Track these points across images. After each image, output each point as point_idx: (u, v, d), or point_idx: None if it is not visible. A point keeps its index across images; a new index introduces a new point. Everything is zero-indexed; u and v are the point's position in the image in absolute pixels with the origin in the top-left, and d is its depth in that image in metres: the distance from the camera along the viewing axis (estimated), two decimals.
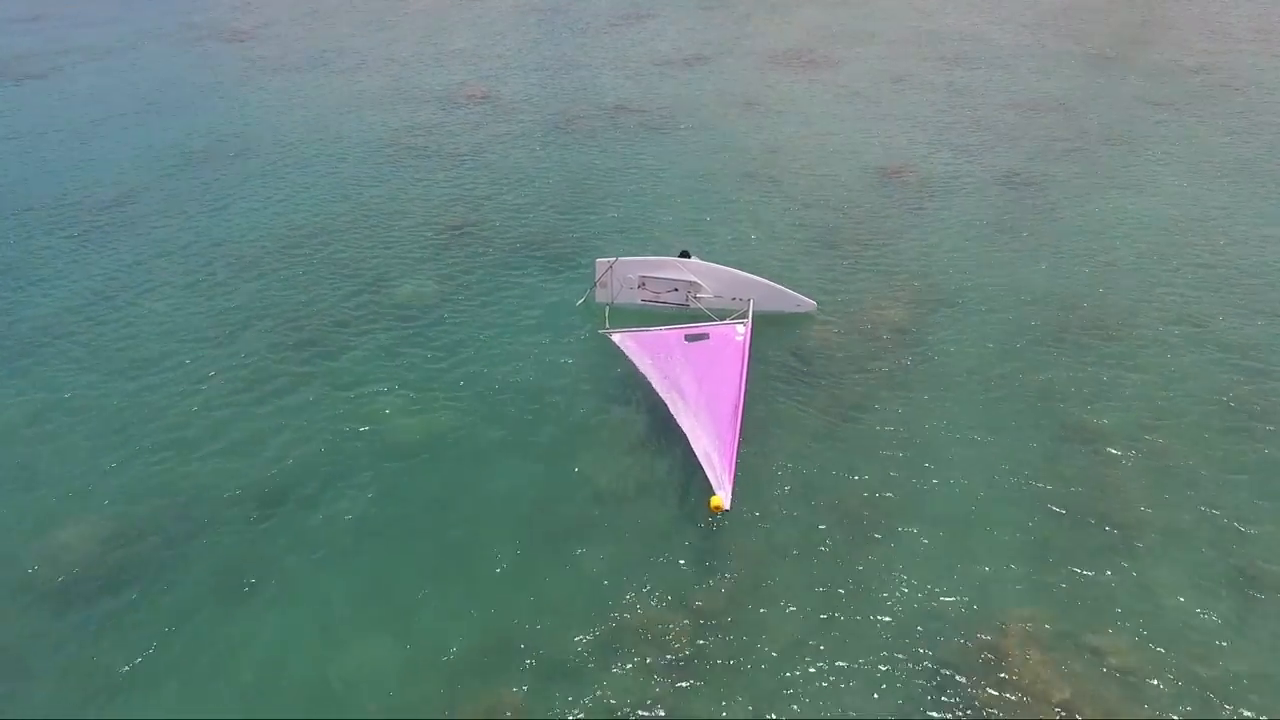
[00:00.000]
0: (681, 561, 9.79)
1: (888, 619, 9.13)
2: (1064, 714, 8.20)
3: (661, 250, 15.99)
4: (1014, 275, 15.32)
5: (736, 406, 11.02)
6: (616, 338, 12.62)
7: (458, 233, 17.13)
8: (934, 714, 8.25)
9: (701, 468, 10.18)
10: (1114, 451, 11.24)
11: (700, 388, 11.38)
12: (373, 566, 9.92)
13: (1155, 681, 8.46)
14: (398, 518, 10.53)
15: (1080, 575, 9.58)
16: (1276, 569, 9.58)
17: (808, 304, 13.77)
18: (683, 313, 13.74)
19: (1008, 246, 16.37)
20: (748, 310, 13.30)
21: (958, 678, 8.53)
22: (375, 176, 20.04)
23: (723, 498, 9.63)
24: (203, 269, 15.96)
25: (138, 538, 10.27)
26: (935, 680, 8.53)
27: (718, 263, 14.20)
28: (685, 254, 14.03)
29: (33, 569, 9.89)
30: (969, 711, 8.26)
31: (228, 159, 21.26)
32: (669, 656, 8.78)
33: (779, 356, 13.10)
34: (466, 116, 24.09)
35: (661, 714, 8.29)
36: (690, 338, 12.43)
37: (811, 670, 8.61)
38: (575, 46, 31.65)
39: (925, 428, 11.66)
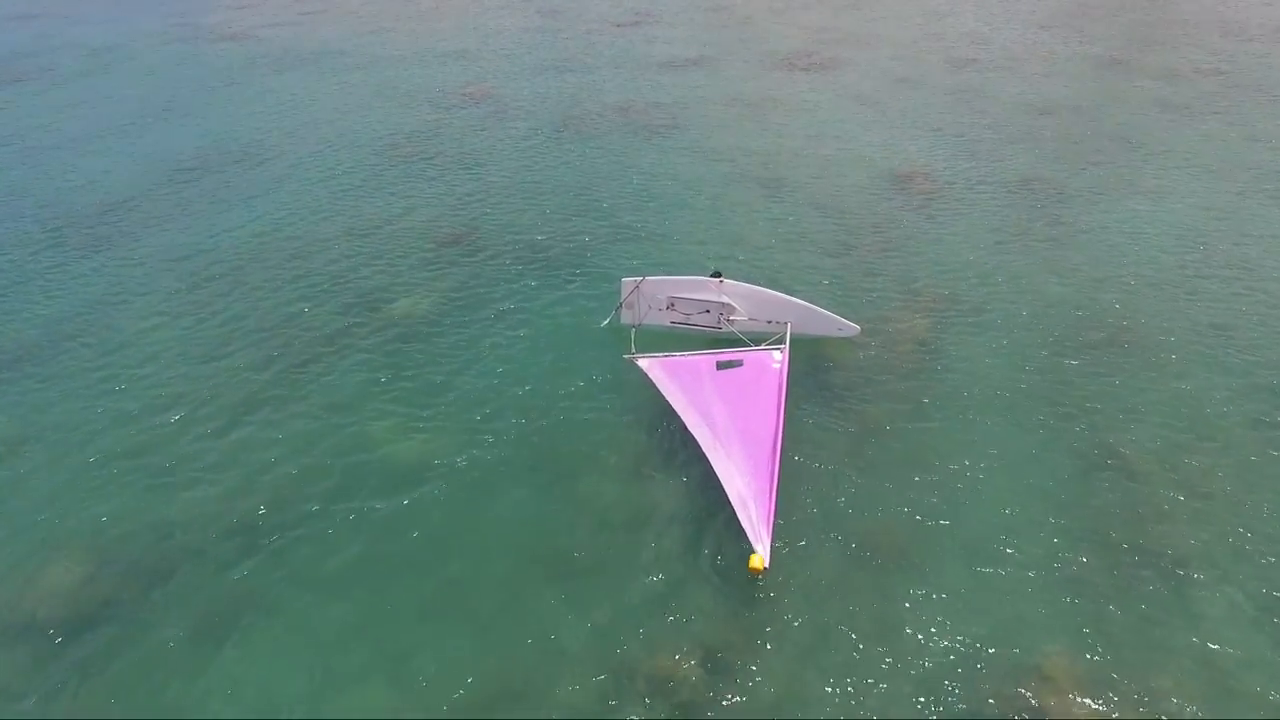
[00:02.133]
0: (697, 602, 9.15)
1: (918, 663, 8.51)
2: None
3: (672, 263, 15.42)
4: (1035, 285, 14.73)
5: (774, 445, 10.13)
6: (643, 363, 11.72)
7: (456, 243, 16.51)
8: None
9: (727, 509, 9.44)
10: (1148, 475, 10.64)
11: (733, 422, 10.54)
12: (364, 606, 9.29)
13: None
14: (391, 552, 9.90)
15: (1119, 612, 8.97)
16: None
17: (850, 328, 12.76)
18: (715, 336, 12.90)
19: (1027, 255, 15.76)
20: (785, 334, 12.34)
21: None
22: (371, 184, 19.41)
23: (762, 555, 8.86)
24: (189, 284, 15.32)
25: (114, 576, 9.65)
26: None
27: (740, 279, 13.42)
28: (717, 274, 13.10)
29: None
30: None
31: (220, 167, 20.64)
32: (683, 708, 8.17)
33: (796, 371, 12.44)
34: (467, 120, 23.48)
35: None
36: (722, 365, 11.54)
37: None
38: (578, 48, 31.04)
39: (950, 451, 11.04)
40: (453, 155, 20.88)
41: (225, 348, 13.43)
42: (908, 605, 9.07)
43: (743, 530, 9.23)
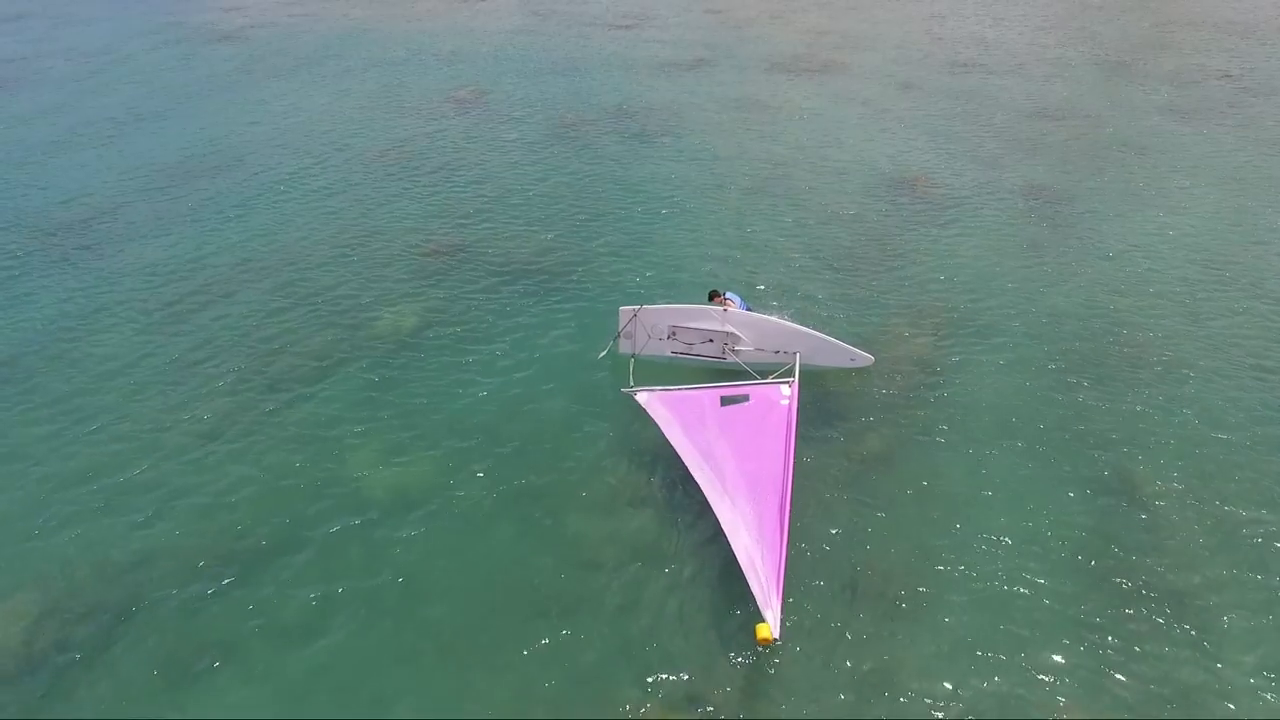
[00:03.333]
0: (690, 650, 8.62)
1: None
2: None
3: (667, 278, 14.89)
4: (1043, 300, 14.19)
5: (784, 493, 9.26)
6: (641, 397, 10.86)
7: (444, 255, 15.96)
8: None
9: (725, 554, 8.80)
10: (1165, 509, 10.10)
11: (739, 464, 9.72)
12: (337, 649, 8.77)
13: None
14: (368, 589, 9.38)
15: (1135, 662, 8.45)
16: None
17: (864, 358, 11.93)
18: (719, 367, 12.18)
19: (1034, 267, 15.23)
20: (794, 366, 11.52)
21: None
22: (358, 193, 18.87)
23: (771, 624, 7.98)
24: (164, 300, 14.77)
25: (69, 614, 9.14)
26: None
27: (738, 293, 12.85)
28: (715, 294, 12.45)
29: None
30: None
31: (204, 175, 20.09)
32: None
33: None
34: (459, 125, 22.93)
35: None
36: (727, 400, 10.70)
37: None
38: (574, 51, 30.48)
39: (956, 483, 10.51)
40: (443, 163, 20.33)
41: (198, 368, 12.89)
42: (910, 655, 8.54)
43: (748, 588, 8.39)
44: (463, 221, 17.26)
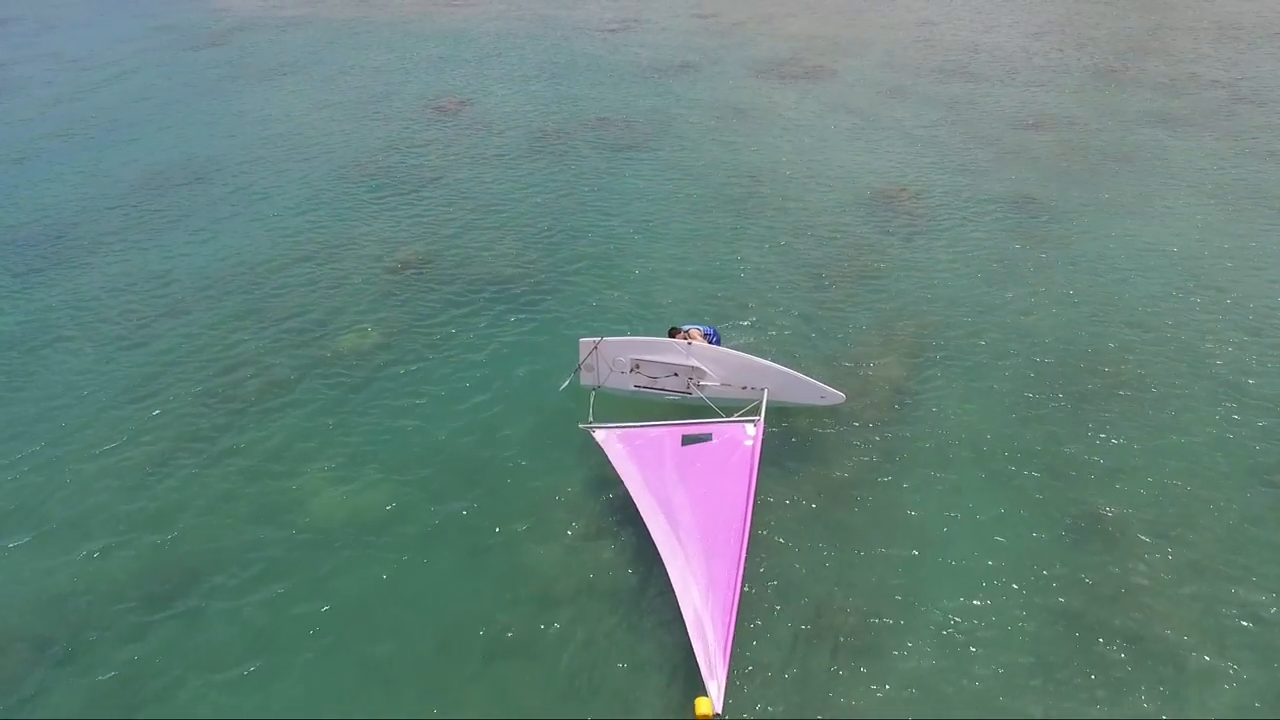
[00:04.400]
0: (644, 692, 8.30)
1: None
2: None
3: (640, 298, 14.58)
4: (1021, 319, 13.86)
5: (740, 547, 8.76)
6: (599, 435, 10.48)
7: (412, 269, 15.66)
8: None
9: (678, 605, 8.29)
10: (1139, 548, 9.73)
11: (695, 513, 9.25)
12: (277, 690, 8.46)
13: None
14: (313, 624, 9.07)
15: (1103, 703, 8.13)
16: None
17: (834, 396, 11.40)
18: (684, 402, 11.71)
19: (1013, 285, 14.89)
20: (761, 402, 11.09)
21: None
22: (329, 207, 18.56)
23: (714, 698, 7.47)
24: (125, 315, 14.49)
25: (3, 647, 8.84)
26: None
27: (708, 317, 12.42)
28: (674, 331, 11.98)
29: None
30: None
31: (177, 186, 19.82)
32: None
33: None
34: (437, 133, 22.64)
35: None
36: (689, 439, 10.26)
37: None
38: (561, 56, 30.20)
39: (923, 516, 10.17)
40: (419, 175, 20.03)
41: (154, 387, 12.61)
42: (867, 696, 8.22)
43: (693, 654, 7.92)
44: (434, 237, 16.95)
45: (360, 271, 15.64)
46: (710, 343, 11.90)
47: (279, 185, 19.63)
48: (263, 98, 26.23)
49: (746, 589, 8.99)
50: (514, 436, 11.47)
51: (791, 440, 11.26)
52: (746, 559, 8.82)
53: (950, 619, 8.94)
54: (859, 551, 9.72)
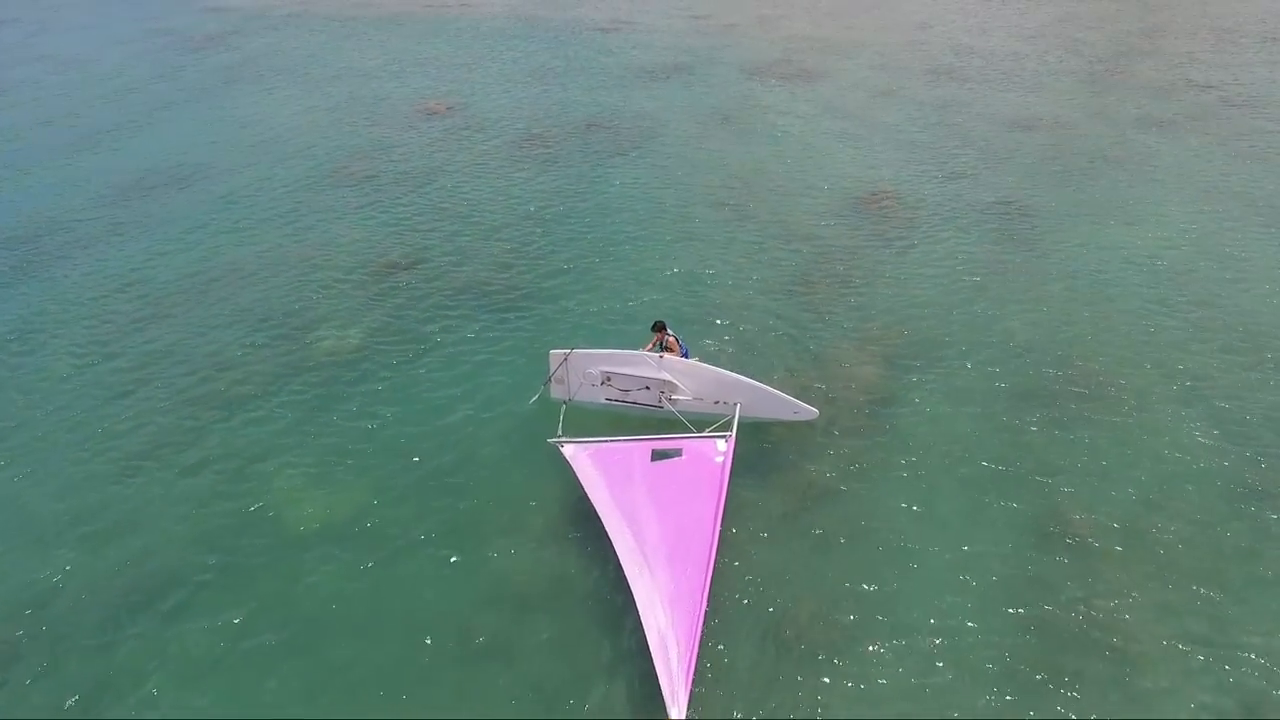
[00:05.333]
0: (610, 698, 8.31)
1: None
2: None
3: (620, 305, 14.54)
4: (1000, 324, 13.85)
5: (707, 565, 8.61)
6: (568, 450, 10.29)
7: (394, 273, 15.69)
8: None
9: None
10: (1108, 555, 9.72)
11: (663, 530, 9.09)
12: (249, 691, 8.49)
13: None
14: (279, 627, 9.10)
15: (1068, 706, 8.14)
16: None
17: (807, 411, 11.17)
18: (656, 416, 11.56)
19: (994, 290, 14.88)
20: (733, 417, 10.90)
21: None
22: (315, 207, 18.61)
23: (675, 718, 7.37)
24: (106, 316, 14.54)
25: None
26: None
27: (690, 321, 12.25)
28: (660, 325, 11.83)
29: None
30: None
31: (162, 188, 19.87)
32: None
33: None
34: (424, 136, 22.67)
35: None
36: (658, 454, 10.08)
37: None
38: (552, 57, 30.24)
39: (894, 521, 10.17)
40: (402, 177, 20.06)
41: (133, 388, 12.66)
42: (835, 700, 8.23)
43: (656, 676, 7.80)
44: (418, 242, 16.96)
45: (342, 276, 15.65)
46: (680, 354, 11.78)
47: (264, 188, 19.66)
48: (253, 100, 26.28)
49: (714, 591, 8.95)
50: (490, 441, 11.47)
51: (763, 445, 11.26)
52: (713, 578, 8.71)
53: (917, 624, 8.95)
54: (828, 557, 9.73)
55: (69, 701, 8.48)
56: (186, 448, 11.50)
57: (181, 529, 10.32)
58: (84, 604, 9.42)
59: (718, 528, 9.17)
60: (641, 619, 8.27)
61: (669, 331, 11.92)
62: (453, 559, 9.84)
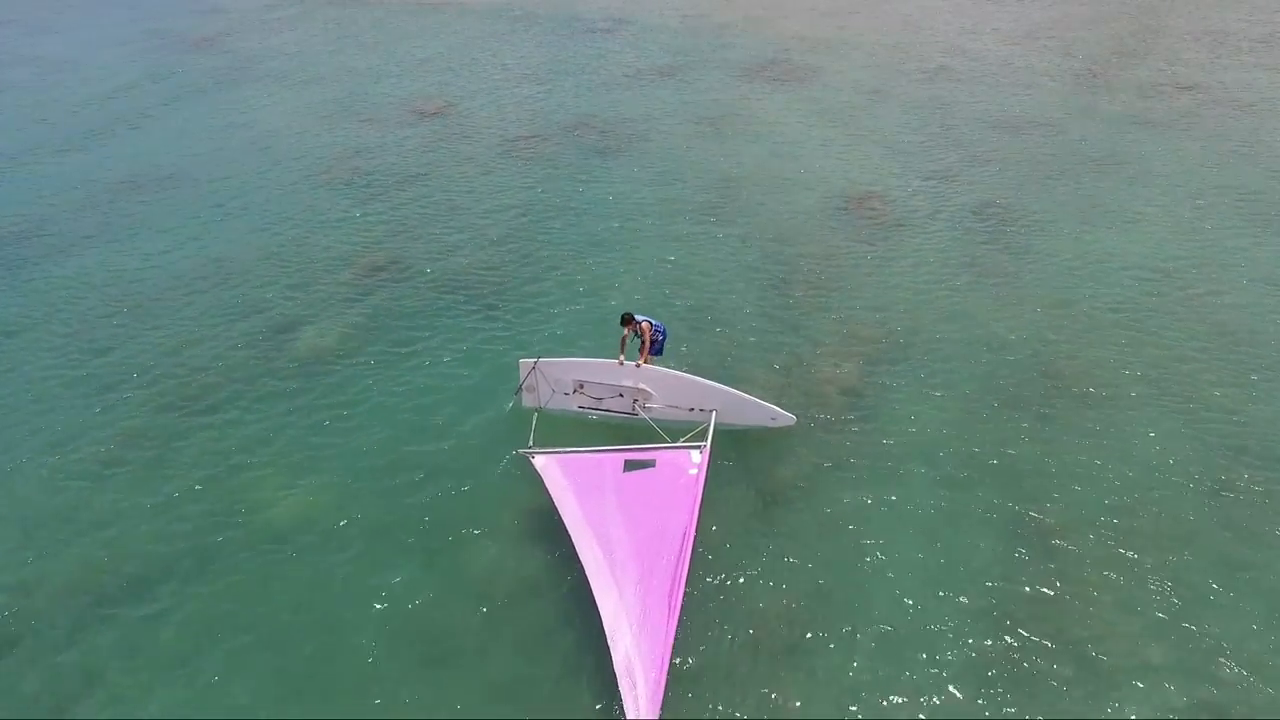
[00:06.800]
0: (577, 698, 8.35)
1: None
2: None
3: (603, 306, 14.53)
4: (981, 326, 13.88)
5: (677, 580, 8.36)
6: (538, 461, 10.05)
7: (376, 273, 15.72)
8: None
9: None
10: (1083, 557, 9.76)
11: (633, 546, 8.82)
12: (219, 688, 8.56)
13: None
14: (249, 623, 9.20)
15: (1037, 708, 8.16)
16: None
17: (785, 417, 11.11)
18: (630, 423, 11.41)
19: (978, 291, 14.91)
20: (709, 426, 10.61)
21: None
22: (302, 206, 18.64)
23: None
24: (89, 315, 14.61)
25: None
26: None
27: (667, 319, 12.08)
28: (628, 317, 11.49)
29: None
30: None
31: (152, 188, 19.89)
32: None
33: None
34: (413, 137, 22.69)
35: None
36: (631, 464, 9.84)
37: None
38: (547, 56, 30.24)
39: (869, 521, 10.22)
40: (393, 179, 20.07)
41: (113, 387, 12.72)
42: (808, 700, 8.27)
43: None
44: (404, 242, 16.99)
45: (325, 273, 15.71)
46: (658, 338, 11.55)
47: (251, 188, 19.70)
48: (244, 100, 26.29)
49: (685, 589, 8.84)
50: (467, 443, 11.53)
51: (741, 443, 11.29)
52: (685, 577, 8.62)
53: (889, 623, 9.00)
54: (801, 557, 9.77)
55: (39, 700, 8.52)
56: (161, 447, 11.56)
57: (159, 522, 10.39)
58: (55, 603, 9.47)
59: (690, 542, 8.88)
60: (607, 635, 8.03)
61: (638, 318, 11.49)
62: (423, 561, 9.88)
